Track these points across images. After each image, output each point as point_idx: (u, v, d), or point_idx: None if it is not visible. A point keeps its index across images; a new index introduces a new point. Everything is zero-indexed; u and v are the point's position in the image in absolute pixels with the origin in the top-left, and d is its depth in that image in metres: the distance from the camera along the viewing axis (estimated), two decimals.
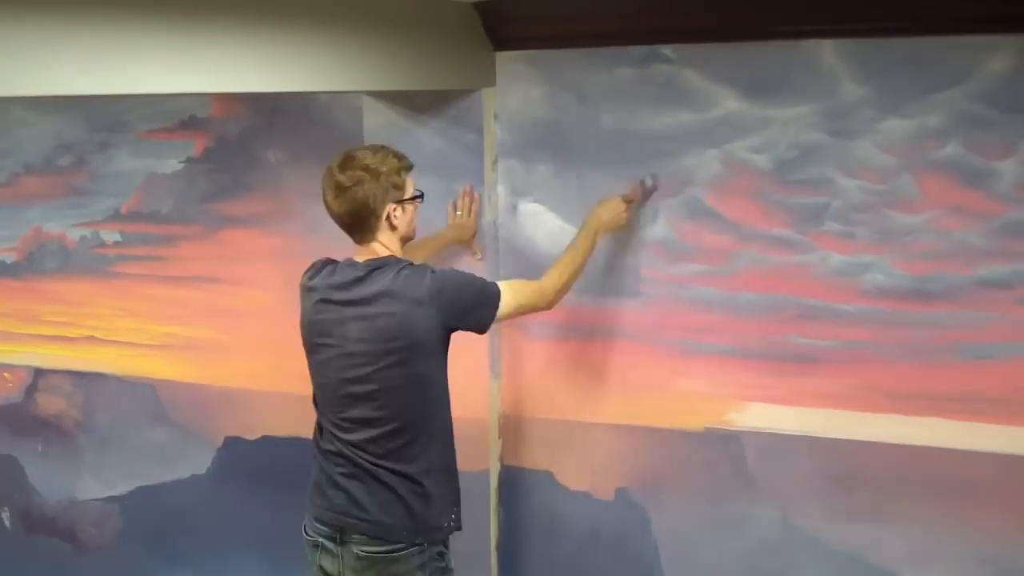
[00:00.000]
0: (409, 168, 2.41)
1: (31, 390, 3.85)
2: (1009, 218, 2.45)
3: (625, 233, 2.81)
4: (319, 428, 2.46)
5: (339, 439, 2.38)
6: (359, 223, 2.36)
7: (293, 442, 3.39)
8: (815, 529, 2.76)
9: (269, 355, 3.37)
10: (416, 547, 2.37)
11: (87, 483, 3.80)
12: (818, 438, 2.72)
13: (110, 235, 3.58)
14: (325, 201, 2.38)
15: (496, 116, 2.90)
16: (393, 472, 2.34)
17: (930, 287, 2.55)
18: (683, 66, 2.67)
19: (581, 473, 2.99)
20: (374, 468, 2.34)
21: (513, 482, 3.09)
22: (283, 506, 3.44)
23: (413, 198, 2.42)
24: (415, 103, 2.90)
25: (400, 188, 2.37)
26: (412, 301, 2.29)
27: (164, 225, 3.47)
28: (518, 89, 2.87)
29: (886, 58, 2.49)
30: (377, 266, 2.35)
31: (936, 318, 2.56)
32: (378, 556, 2.35)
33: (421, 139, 2.92)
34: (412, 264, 2.37)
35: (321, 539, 2.41)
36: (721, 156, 2.68)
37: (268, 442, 3.45)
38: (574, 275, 2.56)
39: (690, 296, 2.78)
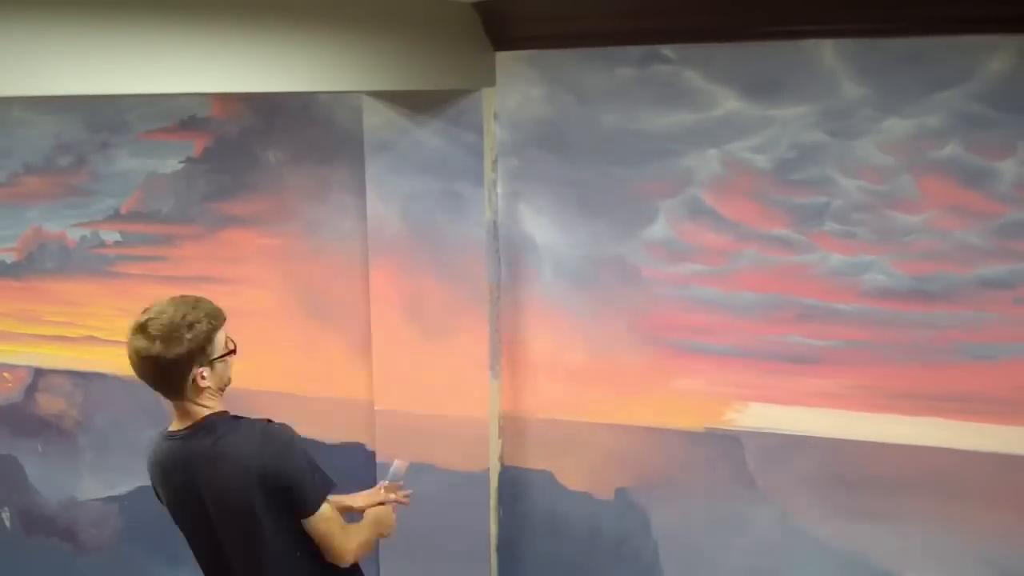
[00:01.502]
0: (221, 324, 2.22)
1: (31, 390, 3.85)
2: (1009, 218, 2.45)
3: (625, 233, 2.81)
4: None
5: None
6: (164, 387, 2.21)
7: None
8: (815, 529, 2.76)
9: (269, 355, 3.37)
10: None
11: (87, 483, 3.80)
12: (818, 438, 2.72)
13: (110, 235, 3.58)
14: (132, 367, 2.22)
15: (496, 116, 2.90)
16: None
17: (930, 287, 2.55)
18: (683, 66, 2.67)
19: (581, 473, 2.99)
20: None
21: (513, 482, 3.09)
22: None
23: (223, 355, 2.23)
24: (415, 103, 2.90)
25: (202, 350, 2.17)
26: (242, 470, 2.17)
27: (164, 225, 3.47)
28: (518, 89, 2.87)
29: (886, 58, 2.49)
30: (190, 433, 2.23)
31: (936, 318, 2.56)
32: None
33: (421, 139, 2.92)
34: (238, 426, 2.23)
35: None
36: (721, 156, 2.68)
37: None
38: (367, 546, 2.41)
39: (690, 296, 2.78)
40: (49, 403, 3.82)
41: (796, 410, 2.73)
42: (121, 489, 3.73)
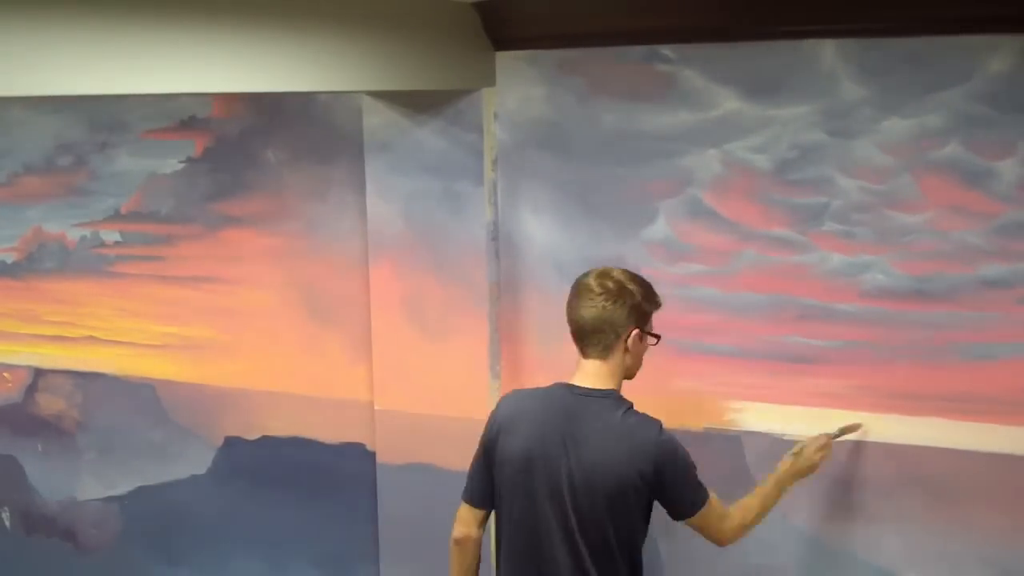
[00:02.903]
0: (658, 305, 2.39)
1: (31, 390, 3.85)
2: (1009, 218, 2.45)
3: (625, 233, 2.81)
4: None
5: None
6: (598, 336, 2.31)
7: (293, 442, 3.39)
8: (815, 529, 2.76)
9: (269, 355, 3.38)
10: None
11: (87, 483, 3.80)
12: None
13: (110, 235, 3.58)
14: (569, 304, 2.36)
15: (496, 116, 2.90)
16: None
17: (930, 287, 2.55)
18: (683, 66, 2.67)
19: None
20: None
21: None
22: (283, 506, 3.45)
23: (654, 334, 2.39)
24: (415, 103, 2.90)
25: (645, 318, 2.35)
26: (632, 447, 2.26)
27: (164, 225, 3.47)
28: (518, 89, 2.87)
29: (886, 58, 2.49)
30: (601, 398, 2.32)
31: (936, 318, 2.55)
32: None
33: (421, 139, 2.92)
34: (634, 409, 2.33)
35: None
36: (721, 156, 2.68)
37: (268, 442, 3.45)
38: (757, 520, 2.47)
39: (690, 296, 2.78)
40: (49, 403, 3.82)
41: (796, 410, 2.73)
42: (121, 489, 3.73)
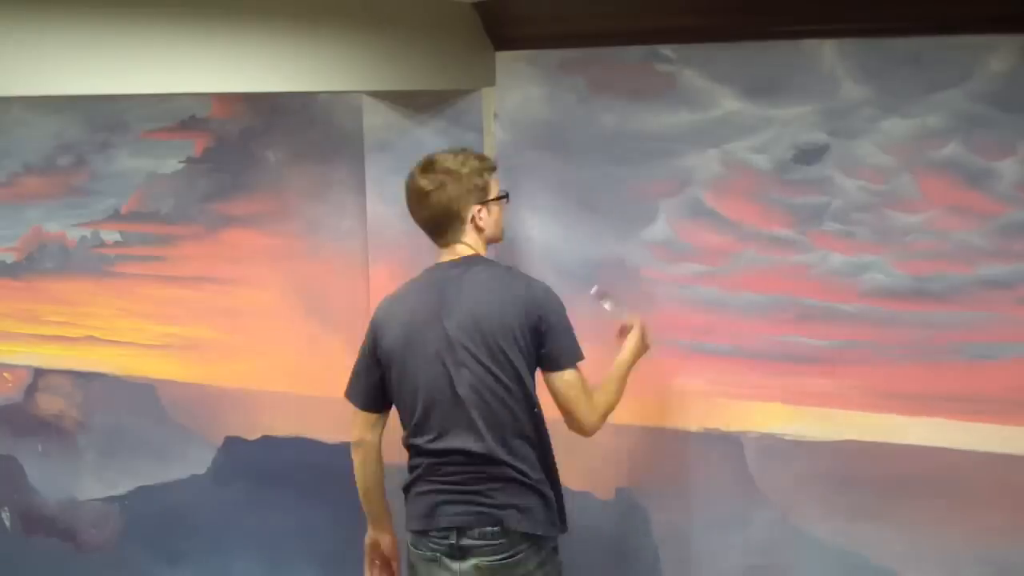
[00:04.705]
0: (492, 169, 2.45)
1: (31, 390, 3.85)
2: (1009, 218, 2.45)
3: (625, 233, 2.81)
4: None
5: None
6: (443, 226, 2.40)
7: (293, 442, 3.39)
8: (815, 529, 2.75)
9: (269, 355, 3.38)
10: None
11: (87, 483, 3.80)
12: (818, 438, 2.72)
13: (110, 235, 3.58)
14: (409, 207, 2.43)
15: (496, 116, 2.90)
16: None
17: (930, 287, 2.55)
18: (683, 66, 2.67)
19: (581, 473, 2.99)
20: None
21: None
22: (283, 506, 3.44)
23: (498, 198, 2.46)
24: (415, 103, 2.90)
25: (484, 189, 2.41)
26: (511, 295, 2.34)
27: (164, 225, 3.47)
28: (518, 89, 2.87)
29: (886, 58, 2.48)
30: (470, 262, 2.40)
31: (936, 318, 2.55)
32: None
33: (421, 139, 2.92)
34: (506, 268, 2.41)
35: None
36: (721, 156, 2.68)
37: (268, 442, 3.45)
38: (614, 405, 2.51)
39: (690, 296, 2.78)
40: (49, 403, 3.82)
41: (796, 410, 2.73)
42: (121, 489, 3.73)
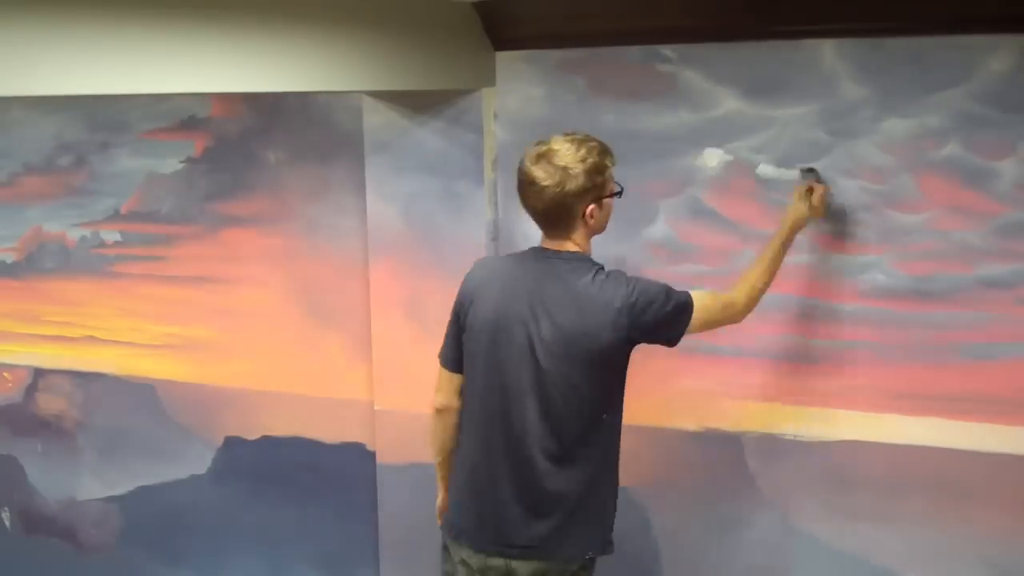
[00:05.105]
0: (613, 163, 2.30)
1: (31, 390, 3.85)
2: (1009, 218, 2.45)
3: (625, 233, 2.81)
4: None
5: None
6: (553, 221, 2.29)
7: (293, 442, 3.39)
8: (815, 529, 2.76)
9: (269, 355, 3.37)
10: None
11: (87, 483, 3.80)
12: (818, 438, 2.72)
13: (110, 235, 3.57)
14: (520, 193, 2.31)
15: (496, 116, 2.90)
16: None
17: (930, 287, 2.55)
18: (683, 66, 2.67)
19: None
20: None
21: None
22: (283, 506, 3.45)
23: (612, 194, 2.32)
24: (415, 103, 2.90)
25: (601, 187, 2.27)
26: (605, 307, 2.23)
27: (164, 225, 3.47)
28: (518, 89, 2.87)
29: (886, 58, 2.49)
30: (573, 261, 2.30)
31: (936, 318, 2.55)
32: None
33: (421, 139, 2.92)
34: (605, 269, 2.31)
35: None
36: (721, 156, 2.68)
37: (268, 442, 3.45)
38: (766, 285, 2.47)
39: None
40: (49, 403, 3.82)
41: (796, 410, 2.73)
42: (121, 489, 3.73)
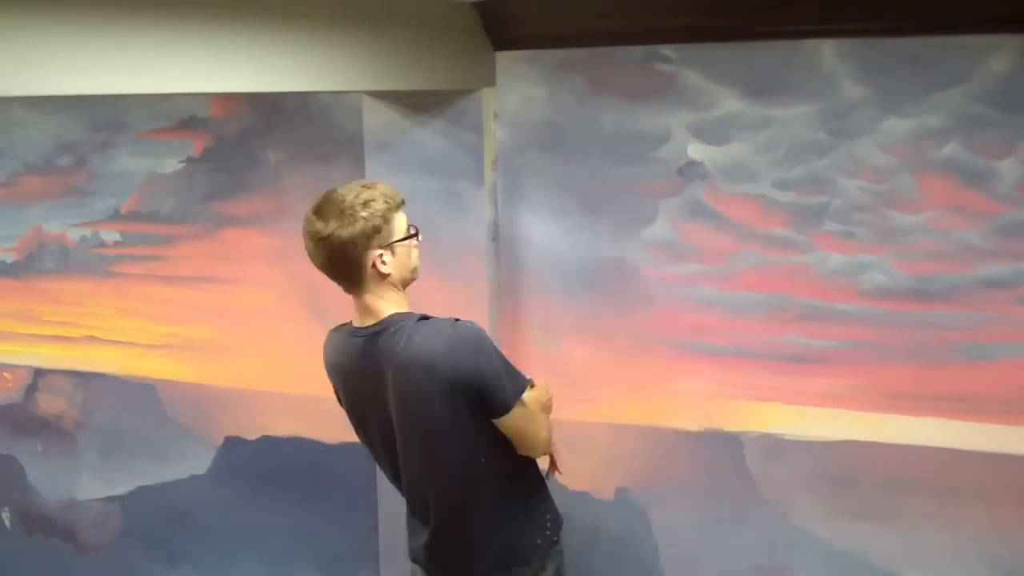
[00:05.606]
0: (399, 206, 2.14)
1: (31, 390, 3.85)
2: (1009, 218, 2.45)
3: (625, 233, 2.81)
4: None
5: None
6: (342, 274, 2.12)
7: (293, 442, 3.39)
8: (815, 529, 2.76)
9: (269, 355, 3.37)
10: None
11: (87, 483, 3.80)
12: (818, 438, 2.72)
13: (110, 235, 3.57)
14: (307, 252, 2.13)
15: (496, 116, 2.90)
16: None
17: (930, 287, 2.55)
18: (683, 66, 2.67)
19: (581, 473, 2.99)
20: None
21: None
22: (283, 506, 3.45)
23: (403, 239, 2.15)
24: (415, 103, 2.90)
25: (381, 233, 2.09)
26: (438, 386, 2.09)
27: (164, 225, 3.47)
28: (518, 89, 2.87)
29: (886, 58, 2.49)
30: (376, 331, 2.15)
31: (936, 318, 2.56)
32: None
33: (421, 139, 2.92)
34: (423, 335, 2.11)
35: None
36: (721, 156, 2.68)
37: (268, 442, 3.45)
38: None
39: (690, 296, 2.78)
40: (49, 403, 3.82)
41: (796, 410, 2.73)
42: (121, 489, 3.73)
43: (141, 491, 3.71)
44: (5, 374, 3.88)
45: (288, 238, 3.28)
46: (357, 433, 2.38)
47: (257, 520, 3.50)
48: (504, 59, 2.86)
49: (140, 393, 3.63)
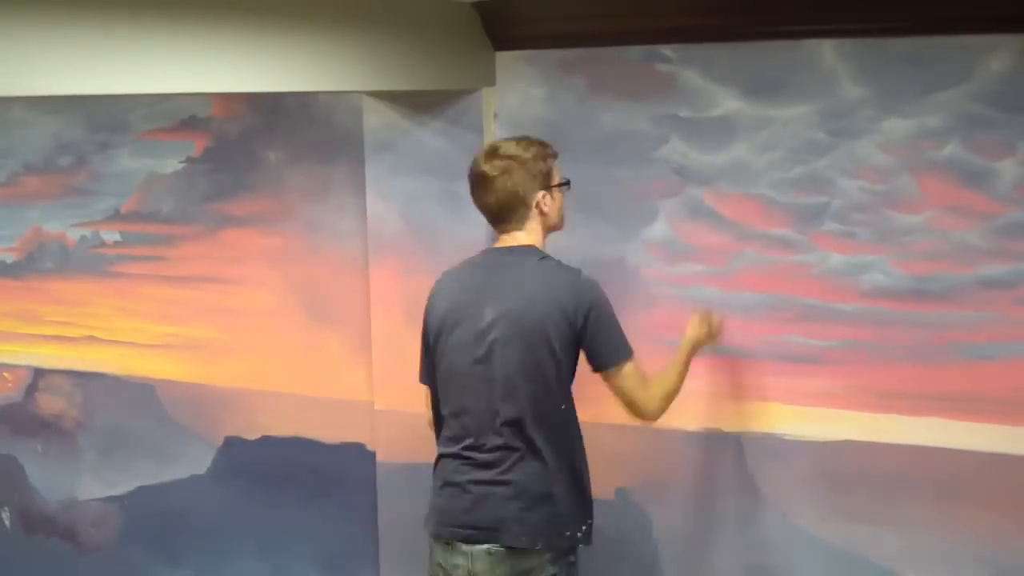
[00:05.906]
0: (555, 155, 2.43)
1: (31, 390, 3.85)
2: (1009, 218, 2.45)
3: (625, 233, 2.81)
4: None
5: None
6: (508, 213, 2.38)
7: (293, 442, 3.39)
8: (815, 529, 2.75)
9: (269, 355, 3.38)
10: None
11: (87, 483, 3.80)
12: (818, 438, 2.72)
13: (110, 235, 3.58)
14: (472, 193, 2.42)
15: (496, 116, 2.90)
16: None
17: (930, 287, 2.55)
18: (683, 66, 2.67)
19: None
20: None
21: None
22: (283, 506, 3.45)
23: (560, 184, 2.45)
24: (415, 103, 2.90)
25: (547, 175, 2.40)
26: (553, 288, 2.32)
27: (164, 225, 3.47)
28: (518, 89, 2.87)
29: (886, 58, 2.49)
30: (524, 252, 2.38)
31: (936, 318, 2.55)
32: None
33: (421, 139, 2.92)
34: (558, 262, 2.38)
35: None
36: (720, 156, 2.68)
37: (268, 442, 3.45)
38: (676, 392, 2.49)
39: (690, 296, 2.78)
40: (49, 403, 3.82)
41: (796, 410, 2.73)
42: (121, 489, 3.74)
43: (141, 491, 3.71)
44: (5, 374, 3.88)
45: (288, 238, 3.28)
46: (430, 354, 2.48)
47: (257, 520, 3.50)
48: (504, 59, 2.86)
49: (140, 393, 3.64)
